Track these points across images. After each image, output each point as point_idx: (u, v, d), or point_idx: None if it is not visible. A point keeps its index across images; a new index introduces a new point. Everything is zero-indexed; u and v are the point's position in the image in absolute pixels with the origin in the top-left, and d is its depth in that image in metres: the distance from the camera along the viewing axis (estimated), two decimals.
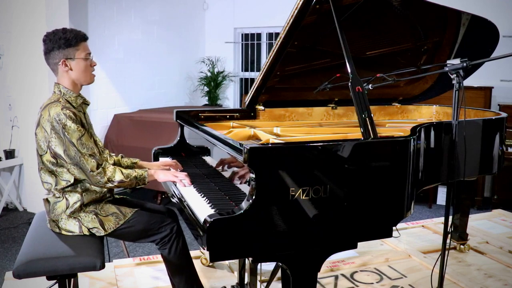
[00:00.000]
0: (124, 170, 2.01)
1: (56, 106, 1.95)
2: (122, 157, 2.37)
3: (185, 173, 2.13)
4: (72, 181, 2.02)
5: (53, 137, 1.93)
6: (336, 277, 2.87)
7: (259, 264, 2.35)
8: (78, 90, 2.08)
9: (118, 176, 1.98)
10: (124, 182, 1.99)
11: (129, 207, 2.17)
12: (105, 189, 2.11)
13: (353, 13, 2.18)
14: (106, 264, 2.22)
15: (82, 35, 2.02)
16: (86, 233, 2.04)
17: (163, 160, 2.60)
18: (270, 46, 6.68)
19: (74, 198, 2.04)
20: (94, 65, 2.08)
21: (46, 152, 1.99)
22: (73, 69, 2.01)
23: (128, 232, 2.10)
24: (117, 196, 2.29)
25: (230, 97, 7.09)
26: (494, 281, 2.83)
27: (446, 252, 1.99)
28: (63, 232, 2.05)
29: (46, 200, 2.09)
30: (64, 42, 1.96)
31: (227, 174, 2.27)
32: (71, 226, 2.04)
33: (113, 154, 2.36)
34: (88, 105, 2.14)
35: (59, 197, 2.05)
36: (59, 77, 2.05)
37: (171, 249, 2.11)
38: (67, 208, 2.03)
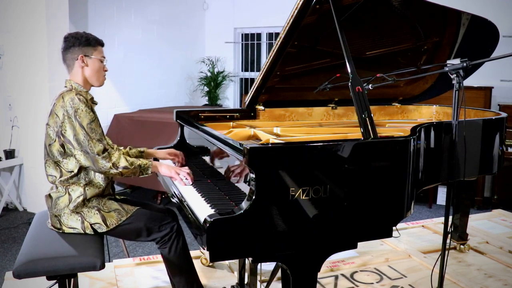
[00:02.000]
0: (128, 158, 2.06)
1: (70, 93, 2.03)
2: (130, 148, 2.44)
3: (188, 170, 2.15)
4: (76, 171, 2.06)
5: (65, 121, 1.99)
6: (336, 277, 2.87)
7: (259, 264, 2.35)
8: (88, 88, 2.18)
9: (123, 162, 2.02)
10: (128, 169, 2.03)
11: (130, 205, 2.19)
12: (107, 183, 2.14)
13: (353, 13, 2.18)
14: (106, 264, 2.22)
15: (101, 40, 2.18)
16: (88, 229, 2.06)
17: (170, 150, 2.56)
18: (270, 46, 6.68)
19: (77, 193, 2.07)
20: (106, 70, 2.20)
21: (55, 141, 2.04)
22: (89, 67, 2.12)
23: (129, 229, 2.11)
24: (117, 197, 2.30)
25: (230, 97, 7.09)
26: (494, 281, 2.83)
27: (446, 252, 1.99)
28: (64, 228, 2.07)
29: (49, 196, 2.12)
30: (84, 40, 2.11)
31: (226, 173, 2.27)
32: (73, 222, 2.06)
33: (121, 147, 2.41)
34: (95, 104, 2.19)
35: (61, 192, 2.08)
36: (72, 73, 2.14)
37: (171, 248, 2.12)
38: (70, 202, 2.06)
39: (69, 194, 2.07)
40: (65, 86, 2.14)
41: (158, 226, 2.12)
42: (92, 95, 2.19)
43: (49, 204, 2.11)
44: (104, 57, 2.18)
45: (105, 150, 2.01)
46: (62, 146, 2.04)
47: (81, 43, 2.10)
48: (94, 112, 2.06)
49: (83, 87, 2.14)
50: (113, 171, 2.01)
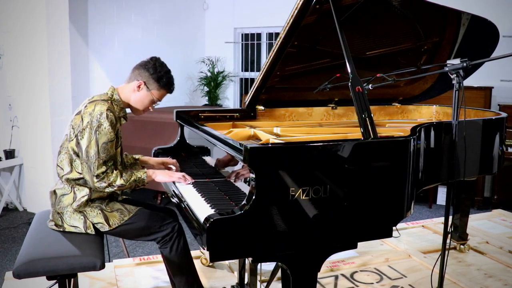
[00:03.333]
0: (124, 175, 2.05)
1: (103, 104, 2.04)
2: (126, 155, 2.40)
3: (183, 173, 2.15)
4: None
5: (86, 130, 2.00)
6: (336, 277, 2.87)
7: (259, 264, 2.35)
8: (125, 106, 2.19)
9: (119, 181, 2.03)
10: (124, 186, 2.04)
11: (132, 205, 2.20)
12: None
13: (353, 13, 2.18)
14: (106, 264, 2.22)
15: (172, 88, 2.19)
16: (90, 228, 2.07)
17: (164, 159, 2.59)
18: (270, 46, 6.68)
19: (82, 193, 2.08)
20: (149, 109, 2.21)
21: (73, 140, 2.06)
22: (139, 94, 2.14)
23: (131, 229, 2.12)
24: (119, 197, 2.30)
25: (230, 97, 7.09)
26: (494, 281, 2.83)
27: (446, 252, 1.99)
28: (66, 226, 2.08)
29: (53, 192, 2.13)
30: (158, 76, 2.13)
31: (226, 173, 2.27)
32: (76, 221, 2.07)
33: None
34: (126, 121, 2.20)
35: (67, 189, 2.09)
36: (124, 87, 2.17)
37: (172, 247, 2.12)
38: (74, 201, 2.07)
39: (74, 193, 2.08)
40: (106, 93, 2.15)
41: (159, 226, 2.12)
42: (126, 112, 2.20)
43: (52, 201, 2.12)
44: (159, 101, 2.19)
45: (104, 171, 2.01)
46: (77, 146, 2.06)
47: (154, 74, 2.12)
48: (117, 133, 2.08)
49: (122, 102, 2.15)
50: (109, 189, 2.03)
